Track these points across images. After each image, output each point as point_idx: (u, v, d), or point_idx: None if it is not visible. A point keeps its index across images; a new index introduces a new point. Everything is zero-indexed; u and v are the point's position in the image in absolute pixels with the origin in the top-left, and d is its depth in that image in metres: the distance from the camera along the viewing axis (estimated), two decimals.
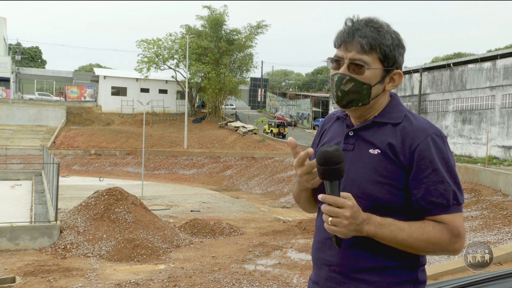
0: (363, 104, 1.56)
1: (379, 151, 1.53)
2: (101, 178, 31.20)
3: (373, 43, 1.52)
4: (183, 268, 10.86)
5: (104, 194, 14.13)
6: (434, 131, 1.53)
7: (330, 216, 1.38)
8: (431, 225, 1.47)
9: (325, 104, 55.46)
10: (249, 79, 58.24)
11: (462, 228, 1.49)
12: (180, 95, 51.61)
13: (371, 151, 1.54)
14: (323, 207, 1.40)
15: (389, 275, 1.51)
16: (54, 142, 40.96)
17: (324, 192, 1.64)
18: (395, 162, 1.51)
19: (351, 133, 1.61)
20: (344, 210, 1.37)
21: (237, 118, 49.72)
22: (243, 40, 47.87)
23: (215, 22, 46.89)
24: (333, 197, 1.38)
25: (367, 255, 1.51)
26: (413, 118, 1.56)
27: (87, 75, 61.64)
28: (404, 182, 1.51)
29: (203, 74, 46.97)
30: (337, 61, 1.57)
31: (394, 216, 1.48)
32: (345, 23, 1.57)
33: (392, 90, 1.66)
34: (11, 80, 51.78)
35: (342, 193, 1.39)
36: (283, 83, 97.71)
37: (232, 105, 58.63)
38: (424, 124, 1.54)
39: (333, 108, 47.07)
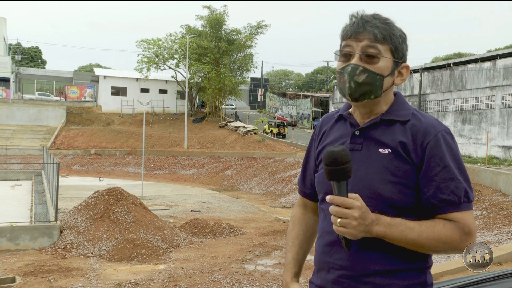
0: (375, 97, 1.53)
1: (390, 150, 1.50)
2: (101, 178, 31.20)
3: (385, 33, 1.50)
4: (183, 268, 10.86)
5: (104, 194, 14.13)
6: (444, 128, 1.52)
7: (339, 217, 1.36)
8: (442, 224, 1.45)
9: (325, 104, 55.45)
10: (249, 79, 58.29)
11: (473, 226, 1.47)
12: (180, 95, 51.61)
13: (381, 150, 1.52)
14: (331, 209, 1.37)
15: (399, 278, 1.48)
16: (54, 142, 40.96)
17: (323, 192, 1.63)
18: (407, 161, 1.49)
19: (357, 133, 1.58)
20: (352, 211, 1.35)
21: (237, 118, 49.71)
22: (243, 40, 47.88)
23: (215, 22, 46.90)
24: (341, 198, 1.36)
25: (378, 258, 1.48)
26: (421, 116, 1.55)
27: (87, 75, 61.64)
28: (415, 180, 1.48)
29: (203, 74, 46.99)
30: (346, 55, 1.54)
31: (405, 216, 1.46)
32: (351, 18, 1.55)
33: (401, 90, 1.65)
34: (11, 80, 51.78)
35: (350, 194, 1.37)
36: (283, 83, 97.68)
37: (232, 105, 58.63)
38: (433, 121, 1.53)
39: (333, 108, 47.05)
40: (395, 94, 1.65)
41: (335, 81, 54.06)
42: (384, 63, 1.51)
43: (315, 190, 1.71)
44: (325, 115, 1.79)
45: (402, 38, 1.55)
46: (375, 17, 1.53)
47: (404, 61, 1.58)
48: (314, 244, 1.77)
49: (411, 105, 1.63)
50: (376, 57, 1.50)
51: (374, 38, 1.49)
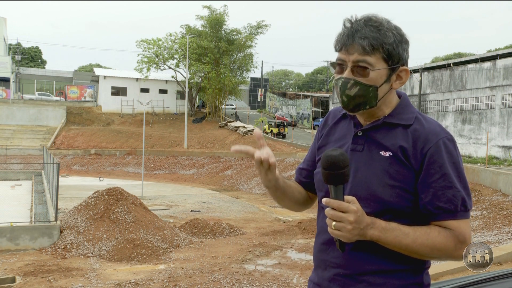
0: (370, 107, 1.52)
1: (391, 154, 1.50)
2: (101, 178, 31.19)
3: (375, 43, 1.46)
4: (183, 268, 10.86)
5: (104, 194, 14.12)
6: (446, 134, 1.50)
7: (334, 220, 1.36)
8: (437, 231, 1.45)
9: (325, 104, 55.45)
10: (249, 79, 58.29)
11: (468, 235, 1.47)
12: (180, 95, 51.61)
13: (382, 153, 1.51)
14: (327, 211, 1.37)
15: (394, 278, 1.49)
16: (54, 142, 40.96)
17: (322, 193, 1.63)
18: (407, 165, 1.48)
19: (360, 133, 1.57)
20: (348, 215, 1.34)
21: (237, 118, 49.70)
22: (243, 40, 47.88)
23: (215, 22, 46.90)
24: (337, 201, 1.36)
25: (373, 258, 1.49)
26: (424, 121, 1.53)
27: (87, 75, 61.64)
28: (414, 185, 1.48)
29: (203, 74, 46.98)
30: (340, 65, 1.52)
31: (401, 220, 1.47)
32: (344, 25, 1.52)
33: (401, 90, 1.64)
34: (11, 80, 51.78)
35: (346, 197, 1.37)
36: (283, 83, 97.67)
37: (232, 105, 58.63)
38: (436, 127, 1.51)
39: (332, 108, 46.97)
40: (401, 96, 1.63)
41: None
42: (377, 73, 1.49)
43: (310, 182, 1.75)
44: (334, 108, 1.78)
45: (397, 41, 1.50)
46: (367, 23, 1.49)
47: (403, 64, 1.54)
48: (291, 199, 1.74)
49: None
50: (367, 69, 1.48)
51: (363, 51, 1.47)
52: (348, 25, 1.51)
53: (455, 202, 1.46)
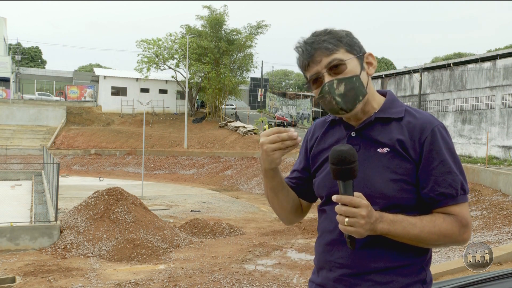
0: (363, 96, 1.55)
1: (388, 149, 1.53)
2: (101, 178, 31.20)
3: (333, 40, 1.53)
4: (183, 268, 10.86)
5: (104, 194, 14.13)
6: (438, 123, 1.55)
7: (346, 216, 1.37)
8: (442, 218, 1.49)
9: None
10: (249, 79, 58.27)
11: (469, 218, 1.52)
12: (180, 95, 51.62)
13: (379, 150, 1.54)
14: (338, 208, 1.38)
15: (400, 275, 1.51)
16: (54, 142, 40.96)
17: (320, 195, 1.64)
18: (406, 158, 1.51)
19: (353, 134, 1.59)
20: (360, 210, 1.36)
21: (237, 118, 49.71)
22: (243, 40, 47.87)
23: (215, 22, 46.89)
24: (349, 197, 1.37)
25: (378, 255, 1.51)
26: (415, 112, 1.58)
27: (87, 75, 61.64)
28: (415, 177, 1.52)
29: (203, 74, 46.97)
30: (316, 79, 1.56)
31: (409, 213, 1.49)
32: (297, 48, 1.59)
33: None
34: (11, 80, 51.78)
35: (354, 193, 1.39)
36: (283, 83, 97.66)
37: (232, 105, 58.62)
38: (428, 116, 1.56)
39: None
40: (386, 93, 1.67)
41: None
42: (351, 64, 1.54)
43: (298, 187, 1.77)
44: (317, 120, 1.80)
45: (349, 35, 1.58)
46: (315, 34, 1.57)
47: (365, 52, 1.60)
48: (285, 201, 1.75)
49: (411, 106, 1.64)
50: (341, 64, 1.52)
51: (328, 52, 1.52)
52: (301, 44, 1.58)
53: (455, 186, 1.50)
